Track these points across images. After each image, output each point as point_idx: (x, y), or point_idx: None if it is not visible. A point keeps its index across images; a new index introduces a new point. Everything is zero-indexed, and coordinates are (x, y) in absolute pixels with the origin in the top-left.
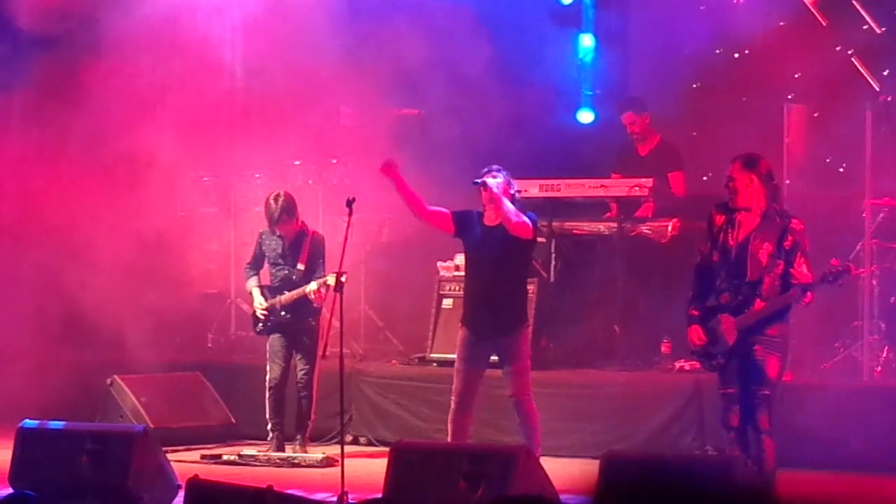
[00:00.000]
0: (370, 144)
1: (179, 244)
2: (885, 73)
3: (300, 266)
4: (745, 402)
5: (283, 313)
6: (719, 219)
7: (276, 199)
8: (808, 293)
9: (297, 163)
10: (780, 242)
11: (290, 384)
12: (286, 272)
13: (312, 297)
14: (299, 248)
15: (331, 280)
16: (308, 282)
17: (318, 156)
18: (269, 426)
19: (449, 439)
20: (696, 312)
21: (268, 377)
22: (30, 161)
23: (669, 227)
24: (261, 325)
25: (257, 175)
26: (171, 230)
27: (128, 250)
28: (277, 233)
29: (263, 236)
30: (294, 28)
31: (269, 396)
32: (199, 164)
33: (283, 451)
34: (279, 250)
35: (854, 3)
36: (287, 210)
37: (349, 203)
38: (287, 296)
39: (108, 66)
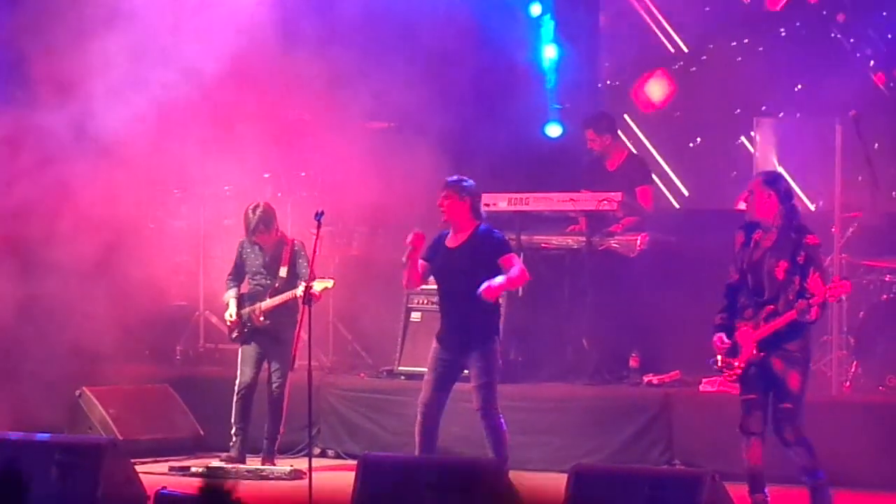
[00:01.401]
0: (339, 157)
1: (149, 256)
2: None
3: (282, 273)
4: (770, 415)
5: (262, 319)
6: (739, 239)
7: (254, 210)
8: (814, 308)
9: (266, 175)
10: (795, 258)
11: (258, 393)
12: (268, 281)
13: (298, 295)
14: (279, 257)
15: (318, 286)
16: (292, 287)
17: (287, 169)
18: (233, 430)
19: (416, 451)
20: (720, 321)
21: (237, 381)
22: None
23: (638, 241)
24: (236, 332)
25: (227, 188)
26: (141, 242)
27: (96, 262)
28: (256, 243)
29: (243, 247)
30: (265, 39)
31: (237, 401)
32: (169, 177)
33: (244, 457)
34: (259, 260)
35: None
36: (265, 221)
37: (318, 216)
38: (268, 302)
39: (70, 72)
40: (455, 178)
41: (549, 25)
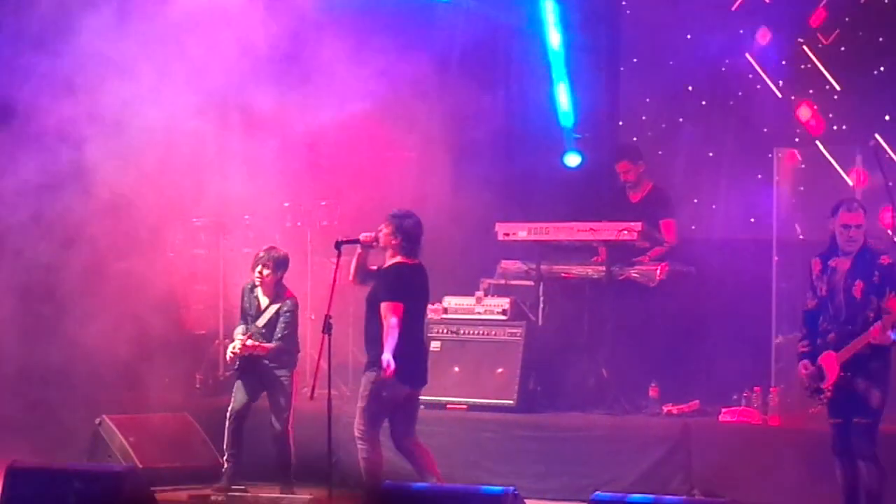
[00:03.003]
0: (360, 186)
1: (168, 285)
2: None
3: (260, 321)
4: (847, 432)
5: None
6: (817, 266)
7: (269, 250)
8: (890, 329)
9: (286, 204)
10: (871, 279)
11: (261, 422)
12: (254, 328)
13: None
14: (268, 307)
15: (237, 346)
16: (267, 340)
17: (307, 197)
18: (224, 457)
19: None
20: (805, 349)
21: (230, 406)
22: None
23: (658, 272)
24: (237, 363)
25: (246, 216)
26: (161, 271)
27: (116, 291)
28: (257, 288)
29: (244, 292)
30: (285, 65)
31: (228, 426)
32: (189, 206)
33: (236, 485)
34: (255, 308)
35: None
36: (276, 260)
37: (338, 245)
38: (248, 346)
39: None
40: (398, 212)
41: (567, 55)
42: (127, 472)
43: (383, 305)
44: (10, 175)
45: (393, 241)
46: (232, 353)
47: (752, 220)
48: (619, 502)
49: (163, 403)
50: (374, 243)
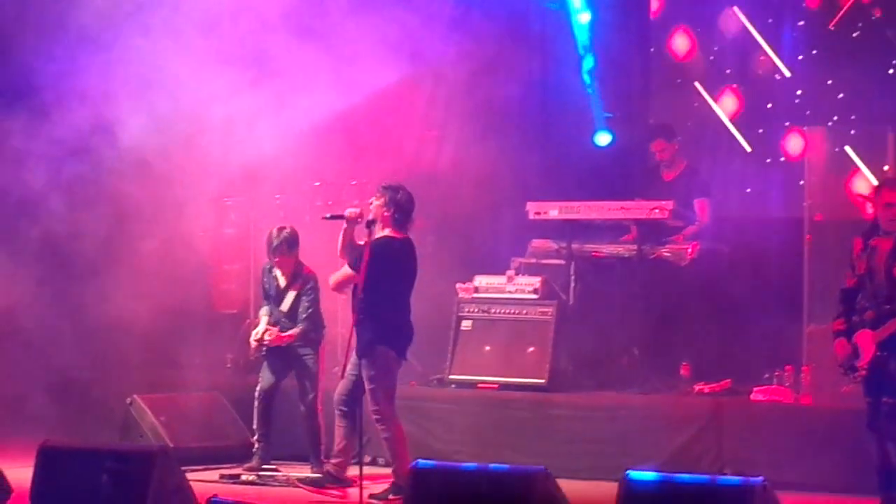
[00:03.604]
0: (389, 166)
1: (199, 265)
2: None
3: (284, 306)
4: (879, 412)
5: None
6: (858, 245)
7: (279, 231)
8: None
9: (316, 184)
10: None
11: (289, 402)
12: (277, 313)
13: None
14: (289, 287)
15: (267, 336)
16: (292, 321)
17: (338, 177)
18: (254, 437)
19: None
20: (841, 327)
21: (258, 386)
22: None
23: (689, 250)
24: (255, 354)
25: (277, 196)
26: (191, 251)
27: (147, 271)
28: (275, 269)
29: (263, 272)
30: (315, 43)
31: (257, 406)
32: (220, 186)
33: (267, 464)
34: (274, 288)
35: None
36: (289, 242)
37: (369, 224)
38: (268, 340)
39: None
40: (390, 183)
41: (597, 33)
42: (158, 451)
43: (351, 273)
44: (46, 151)
45: (385, 213)
46: (255, 340)
47: (784, 198)
48: (650, 481)
49: (194, 383)
50: (359, 218)
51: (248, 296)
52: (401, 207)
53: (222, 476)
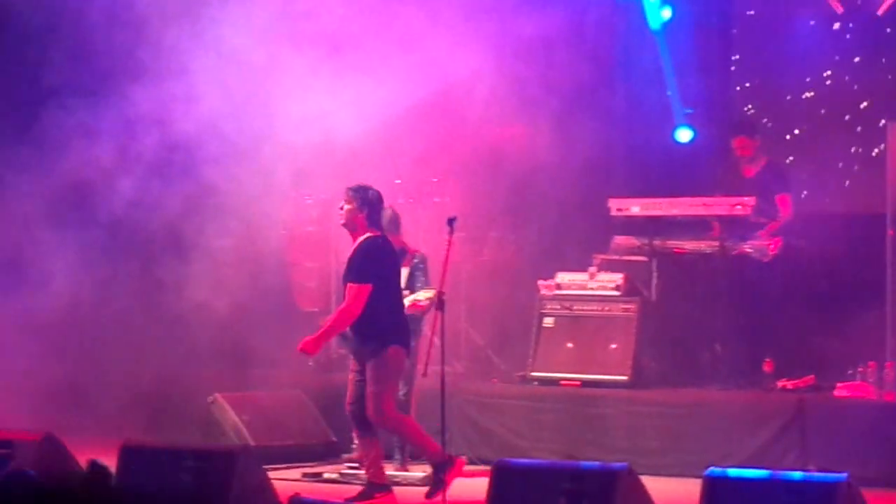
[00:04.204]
0: (472, 163)
1: (281, 262)
2: None
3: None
4: None
5: None
6: None
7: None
8: None
9: (397, 181)
10: None
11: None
12: None
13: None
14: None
15: (422, 296)
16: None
17: (418, 175)
18: (354, 433)
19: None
20: None
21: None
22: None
23: (771, 246)
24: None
25: None
26: (273, 249)
27: (230, 268)
28: None
29: None
30: (402, 50)
31: (350, 411)
32: (301, 183)
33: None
34: None
35: None
36: (393, 222)
37: (450, 222)
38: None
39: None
40: (358, 185)
41: (677, 28)
42: (240, 450)
43: (352, 287)
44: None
45: (360, 215)
46: None
47: (867, 193)
48: (734, 478)
49: (275, 381)
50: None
51: (329, 293)
52: (373, 207)
53: (304, 475)
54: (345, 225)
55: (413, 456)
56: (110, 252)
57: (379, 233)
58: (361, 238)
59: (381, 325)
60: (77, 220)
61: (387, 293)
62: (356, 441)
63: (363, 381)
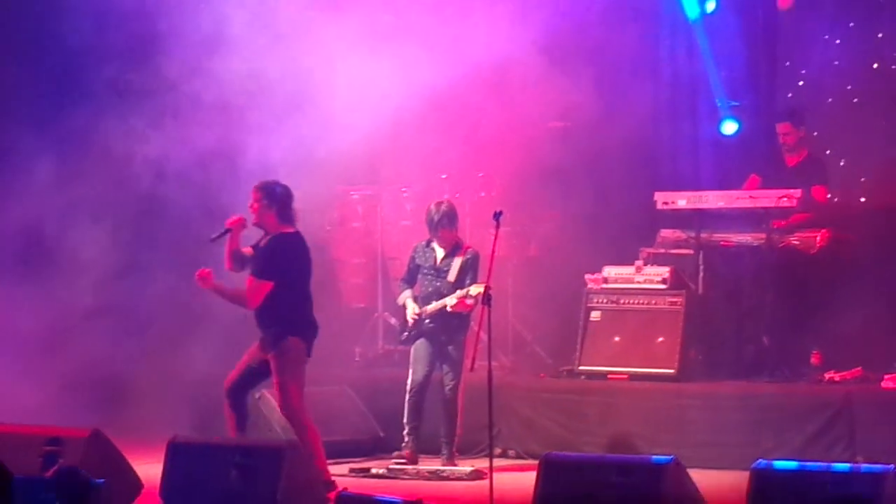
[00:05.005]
0: (519, 158)
1: (327, 259)
2: None
3: (450, 277)
4: None
5: (427, 322)
6: None
7: (437, 206)
8: None
9: (443, 176)
10: None
11: (431, 392)
12: (437, 284)
13: (450, 308)
14: (451, 261)
15: (473, 290)
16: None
17: (465, 170)
18: (405, 430)
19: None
20: None
21: (409, 381)
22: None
23: (818, 239)
24: (406, 333)
25: (404, 189)
26: (319, 245)
27: None
28: (433, 243)
29: (417, 249)
30: (445, 41)
31: (409, 400)
32: (346, 179)
33: (417, 456)
34: (431, 262)
35: None
36: (449, 216)
37: (497, 216)
38: (433, 306)
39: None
40: (265, 182)
41: (722, 19)
42: (287, 446)
43: (252, 281)
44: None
45: (269, 212)
46: (414, 315)
47: None
48: (781, 471)
49: (322, 377)
50: (244, 224)
51: (375, 290)
52: (282, 202)
53: (352, 470)
54: (256, 223)
55: (460, 451)
56: (158, 249)
57: (292, 229)
58: (272, 234)
59: (281, 319)
60: (124, 215)
61: (291, 290)
62: (406, 438)
63: (252, 368)
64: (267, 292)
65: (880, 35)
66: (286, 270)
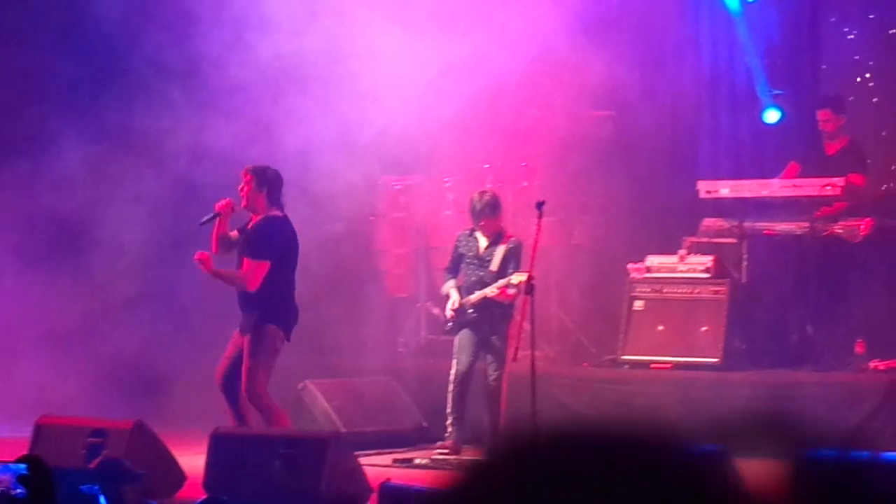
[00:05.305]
0: (561, 147)
1: (369, 249)
2: None
3: (492, 266)
4: None
5: (470, 311)
6: None
7: (481, 195)
8: None
9: (486, 166)
10: None
11: (474, 382)
12: (481, 273)
13: (490, 297)
14: (494, 250)
15: (515, 279)
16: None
17: (507, 159)
18: (448, 420)
19: None
20: None
21: (452, 371)
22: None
23: (862, 227)
24: (450, 324)
25: (447, 179)
26: (362, 235)
27: (318, 256)
28: (476, 232)
29: (460, 238)
30: (488, 32)
31: (452, 390)
32: (389, 169)
33: (460, 446)
34: (475, 251)
35: None
36: (491, 205)
37: (539, 206)
38: (475, 296)
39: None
40: (254, 165)
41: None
42: (331, 436)
43: (249, 263)
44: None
45: (259, 195)
46: (452, 309)
47: None
48: (826, 460)
49: (366, 367)
50: (233, 208)
51: (418, 279)
52: (272, 185)
53: (395, 460)
54: (245, 206)
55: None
56: (197, 234)
57: (281, 213)
58: (261, 217)
59: (264, 303)
60: (164, 200)
61: (277, 275)
62: (449, 428)
63: (239, 356)
64: (265, 272)
65: None
66: (279, 252)
